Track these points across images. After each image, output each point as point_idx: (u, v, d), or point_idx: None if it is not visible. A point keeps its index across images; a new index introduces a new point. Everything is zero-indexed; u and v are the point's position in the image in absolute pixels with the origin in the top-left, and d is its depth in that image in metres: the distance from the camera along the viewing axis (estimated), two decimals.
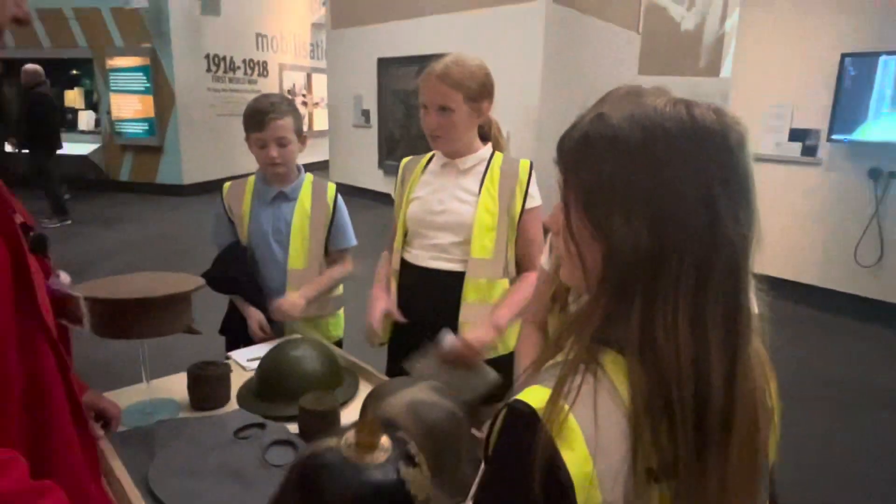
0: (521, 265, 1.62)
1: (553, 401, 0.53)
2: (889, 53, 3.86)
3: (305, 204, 1.83)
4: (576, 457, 0.52)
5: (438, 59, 1.53)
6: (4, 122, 6.76)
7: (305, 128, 13.02)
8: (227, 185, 1.89)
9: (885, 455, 2.63)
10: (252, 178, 1.87)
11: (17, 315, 0.66)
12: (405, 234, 1.65)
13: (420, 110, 1.56)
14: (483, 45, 6.56)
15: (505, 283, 1.57)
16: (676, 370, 0.53)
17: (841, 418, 2.88)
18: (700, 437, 0.54)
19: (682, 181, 0.54)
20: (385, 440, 0.86)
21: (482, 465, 1.08)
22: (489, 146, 1.63)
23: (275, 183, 1.82)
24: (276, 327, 1.78)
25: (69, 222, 6.68)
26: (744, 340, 0.56)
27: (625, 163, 0.56)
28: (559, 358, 0.59)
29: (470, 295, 1.54)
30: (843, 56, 4.02)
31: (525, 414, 0.54)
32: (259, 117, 1.71)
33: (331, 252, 1.89)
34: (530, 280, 1.52)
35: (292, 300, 1.73)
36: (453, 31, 6.85)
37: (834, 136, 4.13)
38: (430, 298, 1.57)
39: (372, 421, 0.85)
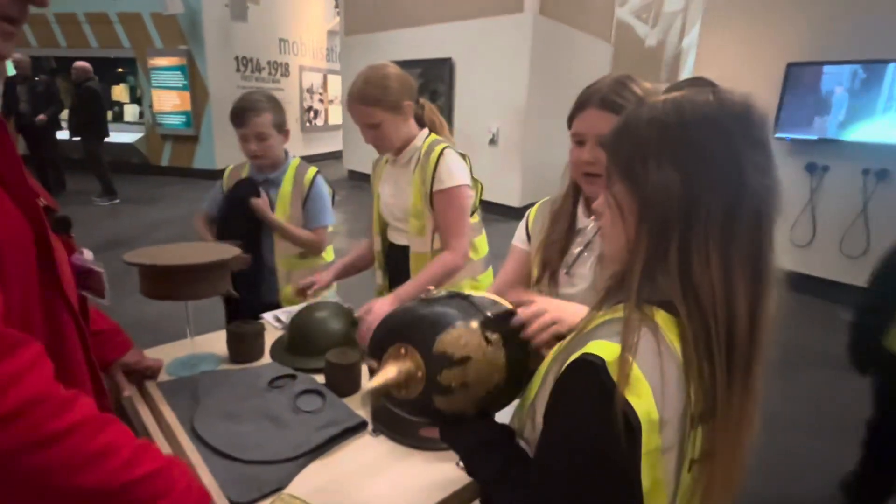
0: (441, 243, 1.52)
1: (621, 355, 0.51)
2: (829, 63, 3.80)
3: (286, 187, 1.74)
4: (643, 404, 0.49)
5: (356, 80, 1.43)
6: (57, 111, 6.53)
7: (322, 122, 12.57)
8: (228, 167, 1.80)
9: (817, 401, 2.68)
10: (248, 164, 1.78)
11: (40, 285, 0.64)
12: (382, 221, 1.65)
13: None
14: (477, 51, 6.43)
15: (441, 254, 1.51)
16: (712, 307, 0.51)
17: (781, 374, 2.90)
18: (729, 375, 0.52)
19: (708, 137, 0.52)
20: (412, 367, 0.70)
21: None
22: (424, 132, 1.53)
23: (262, 170, 1.74)
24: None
25: (118, 201, 6.54)
26: (766, 285, 0.54)
27: (657, 127, 0.54)
28: (609, 316, 0.56)
29: (415, 266, 1.55)
30: (789, 65, 3.96)
31: (595, 365, 0.51)
32: (240, 114, 1.63)
33: (310, 230, 1.76)
34: (440, 260, 1.45)
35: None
36: (451, 38, 6.68)
37: (777, 135, 4.09)
38: (406, 267, 1.58)
39: (372, 367, 0.73)
